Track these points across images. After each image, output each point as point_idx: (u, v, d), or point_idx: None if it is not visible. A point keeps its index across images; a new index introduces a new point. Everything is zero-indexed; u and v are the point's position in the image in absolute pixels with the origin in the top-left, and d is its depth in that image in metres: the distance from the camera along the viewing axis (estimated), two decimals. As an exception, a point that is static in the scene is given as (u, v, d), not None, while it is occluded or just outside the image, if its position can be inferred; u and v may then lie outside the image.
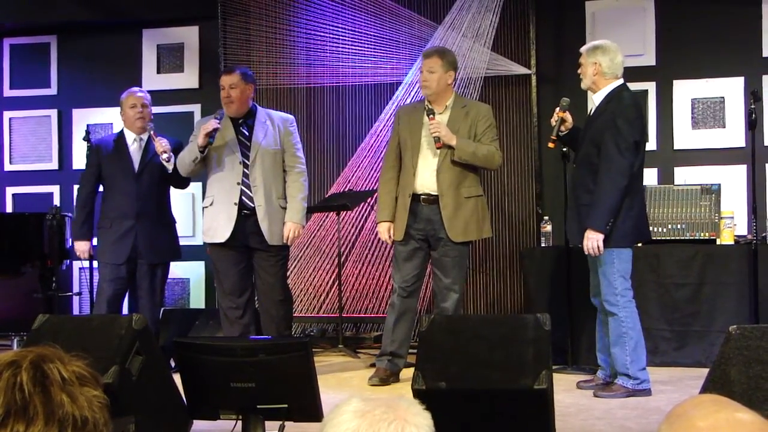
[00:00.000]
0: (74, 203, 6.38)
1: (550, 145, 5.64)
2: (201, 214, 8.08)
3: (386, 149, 6.02)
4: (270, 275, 5.88)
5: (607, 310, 5.30)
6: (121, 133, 6.30)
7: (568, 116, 5.55)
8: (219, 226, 5.79)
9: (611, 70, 5.34)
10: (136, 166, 6.16)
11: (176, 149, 6.24)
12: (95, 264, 6.54)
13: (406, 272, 5.78)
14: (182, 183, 6.30)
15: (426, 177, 5.71)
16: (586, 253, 5.24)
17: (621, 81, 5.38)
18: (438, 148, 5.61)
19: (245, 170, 5.78)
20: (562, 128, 5.55)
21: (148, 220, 6.13)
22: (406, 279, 5.78)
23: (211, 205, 5.86)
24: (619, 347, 5.27)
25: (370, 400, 1.53)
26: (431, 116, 5.66)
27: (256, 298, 6.10)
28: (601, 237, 5.15)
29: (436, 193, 5.69)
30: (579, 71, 5.48)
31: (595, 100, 5.41)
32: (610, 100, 5.31)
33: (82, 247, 6.20)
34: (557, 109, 5.55)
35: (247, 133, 5.85)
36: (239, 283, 5.84)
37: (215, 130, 5.70)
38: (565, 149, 6.12)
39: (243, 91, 5.88)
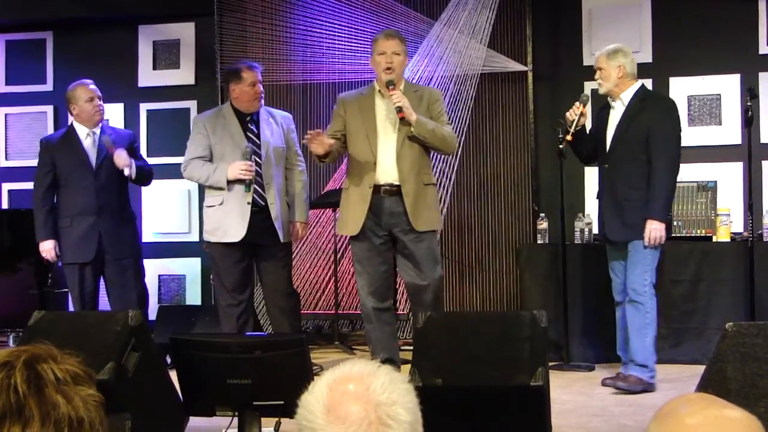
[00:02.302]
0: (33, 204, 6.18)
1: (569, 138, 5.59)
2: (197, 211, 8.13)
3: (329, 128, 5.60)
4: (278, 269, 5.84)
5: (632, 299, 5.35)
6: (71, 128, 6.14)
7: (586, 112, 5.56)
8: (231, 226, 5.67)
9: (633, 70, 5.48)
10: (93, 160, 6.01)
11: (131, 143, 6.21)
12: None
13: (373, 271, 5.44)
14: (145, 184, 6.28)
15: (388, 165, 5.38)
16: (648, 243, 5.29)
17: (641, 81, 5.52)
18: (401, 119, 5.27)
19: (258, 169, 5.70)
20: (579, 123, 5.54)
21: (110, 215, 6.00)
22: (375, 278, 5.44)
23: (221, 204, 5.70)
24: (641, 338, 5.32)
25: (341, 392, 1.46)
26: (391, 87, 5.30)
27: (261, 295, 6.09)
28: (664, 227, 5.29)
29: (397, 182, 5.36)
30: (597, 77, 5.53)
31: (623, 99, 5.45)
32: (645, 98, 5.44)
33: (46, 246, 6.00)
34: (577, 103, 5.54)
35: (255, 130, 5.81)
36: (241, 280, 5.78)
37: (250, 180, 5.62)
38: (561, 146, 6.11)
39: None
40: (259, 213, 5.70)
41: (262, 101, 5.91)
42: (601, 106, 5.67)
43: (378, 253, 5.44)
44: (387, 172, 5.39)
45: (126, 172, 5.93)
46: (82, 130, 6.09)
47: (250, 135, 5.77)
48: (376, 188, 5.38)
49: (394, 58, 5.41)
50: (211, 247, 5.87)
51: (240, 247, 5.71)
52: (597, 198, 5.73)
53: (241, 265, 5.77)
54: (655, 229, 5.26)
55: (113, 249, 6.01)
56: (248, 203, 5.65)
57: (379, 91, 5.49)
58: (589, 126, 5.80)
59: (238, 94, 5.82)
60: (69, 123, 6.24)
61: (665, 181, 5.31)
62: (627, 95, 5.45)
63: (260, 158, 5.72)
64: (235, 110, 5.83)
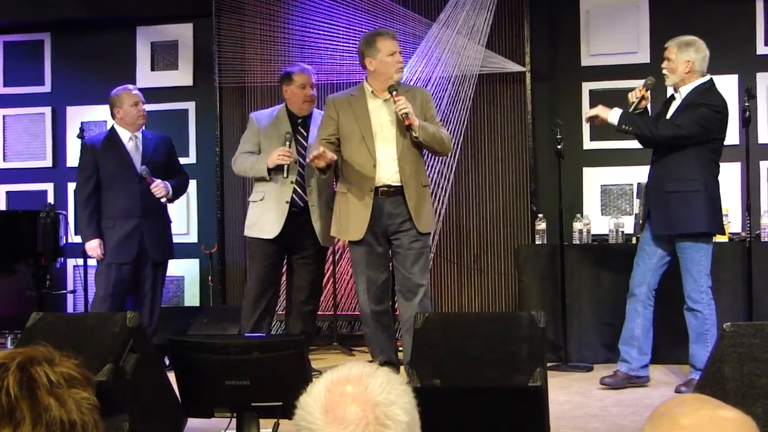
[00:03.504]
0: (76, 205, 6.27)
1: None
2: (196, 213, 8.15)
3: (320, 131, 5.53)
4: (305, 273, 5.86)
5: (689, 307, 5.33)
6: (113, 131, 6.22)
7: (648, 96, 5.48)
8: (267, 222, 5.75)
9: (701, 67, 5.38)
10: (138, 164, 6.12)
11: (170, 149, 6.34)
12: (90, 262, 6.52)
13: (373, 274, 5.40)
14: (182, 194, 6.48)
15: (388, 167, 5.33)
16: (589, 114, 5.44)
17: (709, 77, 5.42)
18: (407, 126, 5.18)
19: (300, 170, 5.75)
20: (640, 106, 5.44)
21: (152, 219, 6.12)
22: (374, 281, 5.40)
23: (261, 200, 5.81)
24: (701, 345, 5.28)
25: (339, 393, 1.47)
26: (395, 93, 5.24)
27: (285, 293, 6.12)
28: (609, 117, 5.35)
29: (397, 184, 5.32)
30: (663, 66, 5.45)
31: (682, 92, 5.40)
32: (702, 93, 5.34)
33: (93, 245, 6.06)
34: (640, 85, 5.46)
35: (305, 133, 5.86)
36: (268, 279, 5.82)
37: (288, 165, 5.64)
38: (559, 147, 6.13)
39: None
40: (300, 214, 5.76)
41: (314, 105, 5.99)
42: (668, 96, 5.63)
43: (377, 255, 5.41)
44: (387, 175, 5.34)
45: (163, 200, 6.10)
46: (124, 134, 6.18)
47: (299, 138, 5.84)
48: (375, 191, 5.34)
49: (401, 59, 5.48)
50: (251, 242, 5.99)
51: (275, 245, 5.77)
52: (646, 186, 5.70)
53: (272, 264, 5.83)
54: (601, 110, 5.38)
55: (153, 252, 6.13)
56: (286, 202, 5.71)
57: (372, 92, 5.44)
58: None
59: (289, 96, 5.92)
60: (110, 126, 6.33)
61: (655, 127, 5.30)
62: (687, 88, 5.37)
63: (304, 160, 5.72)
64: (289, 113, 5.91)
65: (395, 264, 5.46)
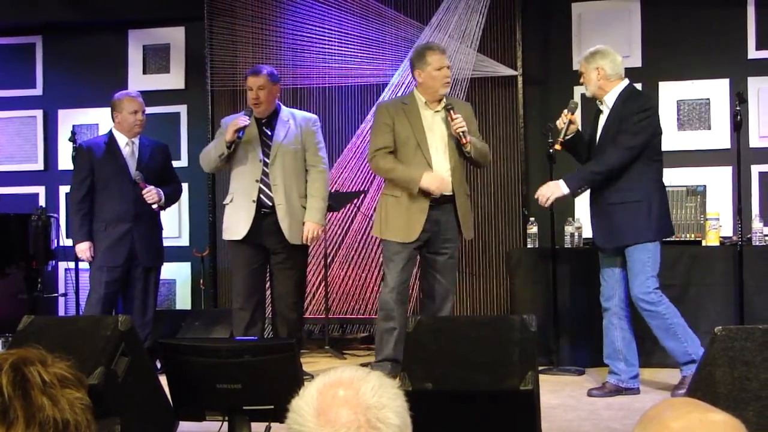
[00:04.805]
0: (68, 207, 6.31)
1: (558, 147, 5.52)
2: (187, 216, 8.15)
3: (377, 138, 5.64)
4: (286, 277, 5.87)
5: (644, 309, 5.27)
6: (111, 135, 6.26)
7: (576, 119, 5.52)
8: (237, 223, 5.79)
9: (615, 71, 5.37)
10: (133, 170, 6.16)
11: (166, 156, 6.40)
12: (81, 265, 6.52)
13: (406, 275, 5.63)
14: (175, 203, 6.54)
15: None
16: (536, 197, 5.43)
17: (627, 81, 5.42)
18: (464, 144, 5.45)
19: (265, 168, 5.78)
20: (570, 131, 5.46)
21: (144, 224, 6.17)
22: (404, 282, 5.62)
23: (231, 202, 5.88)
24: (672, 339, 5.26)
25: (331, 396, 1.48)
26: (452, 110, 5.48)
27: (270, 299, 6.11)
28: (561, 191, 5.37)
29: (449, 193, 5.55)
30: (581, 80, 5.49)
31: (607, 101, 5.38)
32: (626, 98, 5.34)
33: (83, 247, 6.11)
34: (565, 111, 5.47)
35: (269, 132, 5.87)
36: (251, 284, 5.83)
37: (245, 126, 5.69)
38: (551, 150, 6.13)
39: (270, 92, 5.89)
40: (270, 215, 5.77)
41: (276, 105, 5.96)
42: (596, 110, 5.63)
43: (411, 258, 5.63)
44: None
45: (154, 207, 6.14)
46: (121, 139, 6.24)
47: (263, 137, 5.86)
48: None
49: (449, 72, 5.66)
50: (228, 247, 6.03)
51: (250, 248, 5.79)
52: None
53: (250, 267, 5.84)
54: (547, 187, 5.38)
55: (144, 256, 6.18)
56: (253, 201, 5.75)
57: (426, 102, 5.59)
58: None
59: None
60: (109, 129, 6.36)
61: (602, 163, 5.25)
62: (611, 97, 5.36)
63: (268, 158, 5.78)
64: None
65: (433, 271, 5.67)
